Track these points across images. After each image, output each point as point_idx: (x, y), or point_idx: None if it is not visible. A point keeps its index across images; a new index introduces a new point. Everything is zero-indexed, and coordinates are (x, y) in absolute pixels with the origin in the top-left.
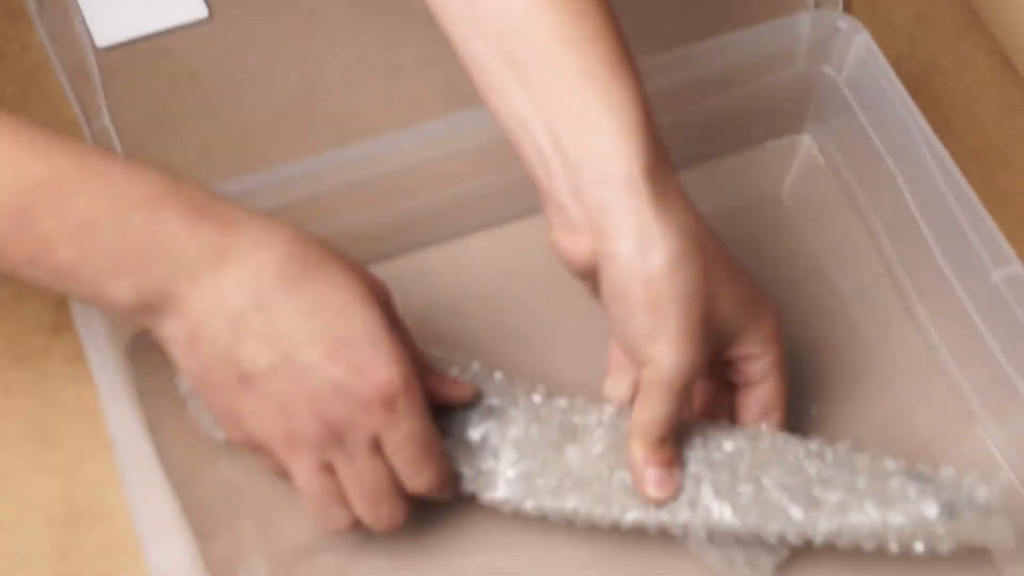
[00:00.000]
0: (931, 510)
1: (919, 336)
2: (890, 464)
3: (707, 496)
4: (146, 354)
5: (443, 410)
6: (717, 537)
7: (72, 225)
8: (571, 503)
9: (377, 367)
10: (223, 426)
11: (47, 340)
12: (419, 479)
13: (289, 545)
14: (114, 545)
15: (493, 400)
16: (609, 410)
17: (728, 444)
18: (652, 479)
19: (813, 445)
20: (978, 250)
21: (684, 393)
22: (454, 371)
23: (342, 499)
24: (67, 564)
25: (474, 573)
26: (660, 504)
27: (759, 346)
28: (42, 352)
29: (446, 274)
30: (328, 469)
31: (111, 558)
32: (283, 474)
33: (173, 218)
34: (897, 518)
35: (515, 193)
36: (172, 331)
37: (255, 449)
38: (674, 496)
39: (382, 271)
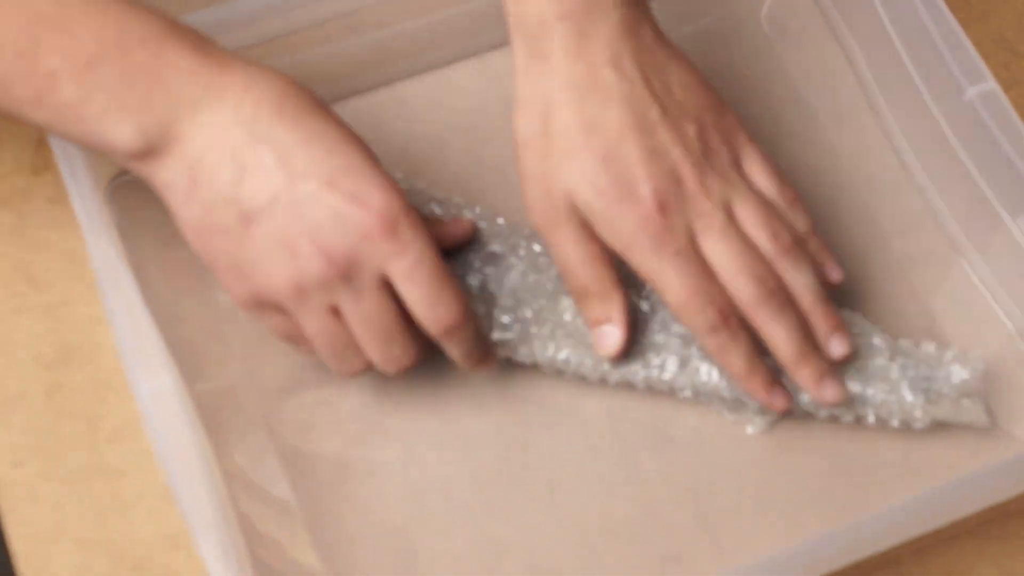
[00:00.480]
0: (909, 393)
1: (896, 159)
2: (876, 340)
3: (696, 357)
4: (127, 193)
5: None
6: (702, 399)
7: (78, 62)
8: (563, 353)
9: (375, 194)
10: (227, 286)
11: (28, 181)
12: (440, 309)
13: (275, 383)
14: (102, 384)
15: (494, 247)
16: None
17: None
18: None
19: None
20: (953, 69)
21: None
22: (465, 213)
23: (353, 342)
24: (56, 402)
25: (459, 406)
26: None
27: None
28: (23, 194)
29: (425, 106)
30: (336, 313)
31: (99, 396)
32: (292, 336)
33: (175, 56)
34: (877, 396)
35: (493, 22)
36: (172, 175)
37: (261, 307)
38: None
39: (360, 104)
